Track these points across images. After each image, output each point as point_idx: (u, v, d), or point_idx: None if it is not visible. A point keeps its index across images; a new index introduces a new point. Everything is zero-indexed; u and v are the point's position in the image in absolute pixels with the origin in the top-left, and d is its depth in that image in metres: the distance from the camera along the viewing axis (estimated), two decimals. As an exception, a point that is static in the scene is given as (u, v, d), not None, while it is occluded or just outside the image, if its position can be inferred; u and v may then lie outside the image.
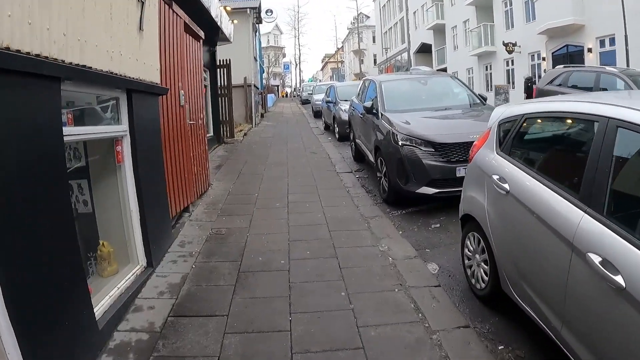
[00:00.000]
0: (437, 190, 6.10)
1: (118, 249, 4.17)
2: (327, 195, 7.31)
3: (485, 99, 8.28)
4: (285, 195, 7.38)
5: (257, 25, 21.99)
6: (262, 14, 20.66)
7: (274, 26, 71.15)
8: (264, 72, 53.31)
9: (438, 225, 5.94)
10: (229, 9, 15.29)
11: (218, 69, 14.41)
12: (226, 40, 14.03)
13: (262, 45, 59.58)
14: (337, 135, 14.34)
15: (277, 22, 74.30)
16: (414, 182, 6.21)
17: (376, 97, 8.11)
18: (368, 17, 62.63)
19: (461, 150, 6.04)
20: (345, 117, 13.07)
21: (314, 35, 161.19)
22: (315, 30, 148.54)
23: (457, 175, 5.91)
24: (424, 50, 39.26)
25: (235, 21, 14.67)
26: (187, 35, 6.91)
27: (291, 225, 5.88)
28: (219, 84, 14.50)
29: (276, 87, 65.78)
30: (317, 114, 22.83)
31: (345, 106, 13.67)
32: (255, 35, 21.69)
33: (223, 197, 7.40)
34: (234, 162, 10.74)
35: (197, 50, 7.87)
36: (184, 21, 6.54)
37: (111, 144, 4.08)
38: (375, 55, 58.99)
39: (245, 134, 16.19)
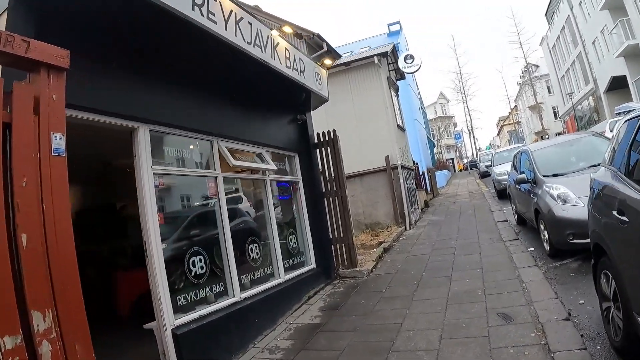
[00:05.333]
0: None
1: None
2: None
3: None
4: None
5: (396, 81, 15.99)
6: (401, 63, 14.74)
7: (438, 95, 65.66)
8: (434, 146, 47.33)
9: None
10: (330, 67, 9.61)
11: (318, 150, 8.56)
12: (322, 100, 8.30)
13: (429, 117, 54.19)
14: (547, 247, 6.91)
15: (442, 91, 68.76)
16: None
17: None
18: (537, 66, 53.09)
19: None
20: (568, 214, 6.06)
21: (483, 98, 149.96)
22: (483, 91, 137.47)
23: None
24: (617, 86, 28.44)
25: (327, 61, 8.85)
26: None
27: None
28: (325, 174, 8.58)
29: (450, 161, 58.74)
30: (502, 194, 15.38)
31: (560, 189, 6.57)
32: (397, 95, 15.69)
33: None
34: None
35: None
36: None
37: None
38: (555, 107, 48.91)
39: (384, 252, 9.68)
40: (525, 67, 52.25)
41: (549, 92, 50.84)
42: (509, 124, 75.47)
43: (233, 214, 5.88)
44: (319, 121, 10.28)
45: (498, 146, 63.69)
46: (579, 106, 38.26)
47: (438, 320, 4.87)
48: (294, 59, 6.56)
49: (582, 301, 4.70)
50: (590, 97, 34.60)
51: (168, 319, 4.50)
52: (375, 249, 9.87)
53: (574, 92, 39.00)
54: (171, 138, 5.08)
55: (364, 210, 13.69)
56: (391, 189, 13.27)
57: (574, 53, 36.85)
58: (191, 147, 5.37)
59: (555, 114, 49.65)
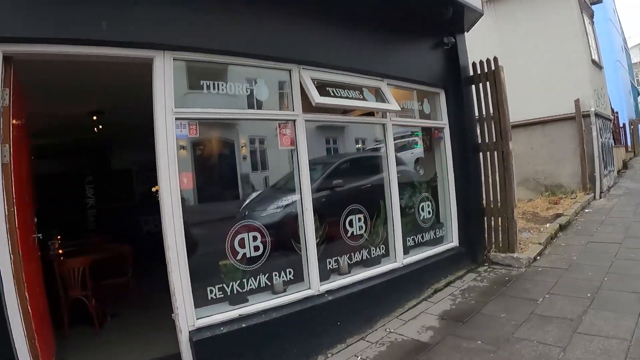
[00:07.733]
0: None
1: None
2: None
3: None
4: None
5: (590, 5, 12.06)
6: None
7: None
8: (639, 94, 39.15)
9: None
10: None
11: (474, 85, 6.23)
12: (476, 16, 6.00)
13: (633, 60, 44.79)
14: None
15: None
16: None
17: None
18: None
19: None
20: None
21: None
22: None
23: None
24: None
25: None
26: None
27: None
28: (482, 120, 6.26)
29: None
30: None
31: None
32: (592, 22, 11.91)
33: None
34: None
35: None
36: None
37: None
38: None
39: (559, 230, 7.09)
40: None
41: None
42: None
43: (323, 173, 4.13)
44: (488, 53, 7.80)
45: None
46: None
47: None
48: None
49: None
50: None
51: (185, 319, 3.11)
52: (548, 225, 7.32)
53: None
54: (217, 69, 3.46)
55: (544, 169, 10.83)
56: (580, 144, 10.18)
57: None
58: (257, 79, 3.65)
59: None
